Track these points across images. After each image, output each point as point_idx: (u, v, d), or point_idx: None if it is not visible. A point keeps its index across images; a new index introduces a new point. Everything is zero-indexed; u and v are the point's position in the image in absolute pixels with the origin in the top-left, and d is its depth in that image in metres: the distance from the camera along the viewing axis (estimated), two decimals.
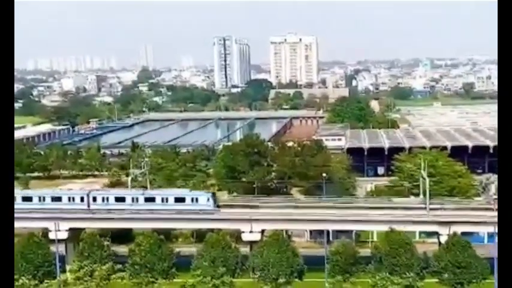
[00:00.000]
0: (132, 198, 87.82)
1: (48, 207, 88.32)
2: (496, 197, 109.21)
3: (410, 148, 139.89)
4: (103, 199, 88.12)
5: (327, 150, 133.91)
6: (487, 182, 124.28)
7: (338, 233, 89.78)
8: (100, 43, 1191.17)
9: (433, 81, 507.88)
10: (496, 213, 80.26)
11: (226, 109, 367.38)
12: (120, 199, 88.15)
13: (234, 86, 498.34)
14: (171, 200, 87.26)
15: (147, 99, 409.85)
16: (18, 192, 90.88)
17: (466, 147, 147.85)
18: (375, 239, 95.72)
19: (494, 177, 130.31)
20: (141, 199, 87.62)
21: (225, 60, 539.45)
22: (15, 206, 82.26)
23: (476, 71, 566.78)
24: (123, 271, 72.17)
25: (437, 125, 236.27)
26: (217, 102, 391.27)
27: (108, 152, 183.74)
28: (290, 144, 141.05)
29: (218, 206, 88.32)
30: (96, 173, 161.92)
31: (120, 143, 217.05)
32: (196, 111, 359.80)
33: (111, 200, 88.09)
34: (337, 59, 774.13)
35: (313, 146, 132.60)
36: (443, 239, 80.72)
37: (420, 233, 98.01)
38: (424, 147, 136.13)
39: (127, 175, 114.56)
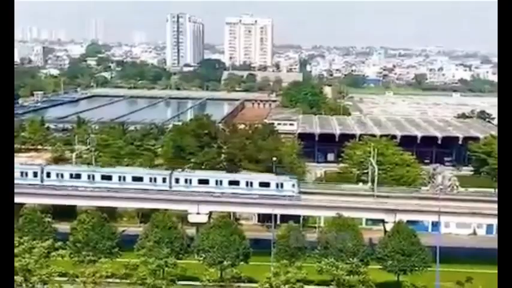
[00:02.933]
0: (216, 181, 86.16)
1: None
2: (441, 187, 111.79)
3: (360, 135, 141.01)
4: (198, 181, 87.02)
5: (279, 134, 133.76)
6: (434, 172, 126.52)
7: (286, 217, 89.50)
8: (48, 13, 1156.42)
9: (386, 70, 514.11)
10: (440, 203, 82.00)
11: (178, 88, 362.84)
12: (203, 181, 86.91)
13: (186, 65, 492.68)
14: (256, 184, 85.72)
15: (95, 73, 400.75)
16: None
17: (415, 137, 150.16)
18: (322, 224, 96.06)
19: (441, 168, 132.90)
20: (225, 182, 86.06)
21: (178, 38, 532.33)
22: None
23: (428, 62, 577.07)
24: (64, 249, 70.15)
25: (388, 114, 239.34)
26: (168, 81, 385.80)
27: (52, 126, 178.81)
28: (241, 126, 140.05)
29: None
30: (39, 147, 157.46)
31: (65, 117, 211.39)
32: (146, 89, 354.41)
33: (194, 182, 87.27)
34: (292, 43, 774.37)
35: (265, 129, 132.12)
36: (389, 226, 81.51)
37: (367, 220, 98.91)
38: (374, 135, 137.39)
39: (72, 151, 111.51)
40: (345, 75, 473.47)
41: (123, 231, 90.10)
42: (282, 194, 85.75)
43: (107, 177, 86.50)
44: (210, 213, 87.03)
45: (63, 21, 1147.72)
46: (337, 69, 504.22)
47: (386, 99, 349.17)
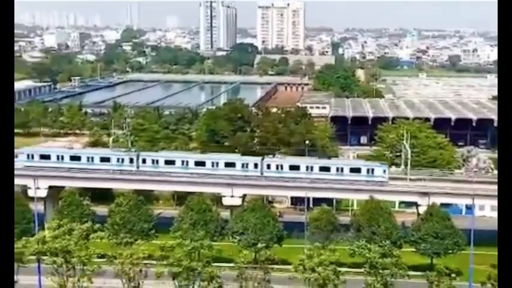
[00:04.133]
0: (307, 167, 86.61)
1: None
2: (476, 169, 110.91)
3: (393, 118, 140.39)
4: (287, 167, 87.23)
5: (311, 117, 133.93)
6: (469, 155, 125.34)
7: (319, 200, 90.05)
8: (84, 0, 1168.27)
9: (419, 52, 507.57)
10: (475, 186, 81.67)
11: (211, 72, 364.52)
12: (294, 167, 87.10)
13: (219, 49, 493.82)
14: (346, 170, 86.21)
15: (130, 59, 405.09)
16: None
17: (449, 120, 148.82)
18: (355, 207, 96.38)
19: (475, 150, 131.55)
20: (316, 168, 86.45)
21: (211, 23, 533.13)
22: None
23: (463, 43, 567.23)
24: (102, 231, 71.99)
25: (421, 96, 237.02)
26: (201, 65, 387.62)
27: (89, 111, 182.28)
28: (274, 110, 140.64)
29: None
30: (77, 131, 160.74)
31: (102, 102, 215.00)
32: (181, 73, 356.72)
33: (286, 168, 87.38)
34: (325, 25, 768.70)
35: (297, 113, 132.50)
36: (422, 209, 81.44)
37: (400, 203, 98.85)
38: (407, 118, 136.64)
39: (108, 135, 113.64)
40: (378, 57, 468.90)
41: (159, 213, 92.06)
42: (372, 179, 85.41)
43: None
44: (244, 196, 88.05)
45: (98, 8, 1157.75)
46: (369, 52, 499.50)
47: (419, 81, 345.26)
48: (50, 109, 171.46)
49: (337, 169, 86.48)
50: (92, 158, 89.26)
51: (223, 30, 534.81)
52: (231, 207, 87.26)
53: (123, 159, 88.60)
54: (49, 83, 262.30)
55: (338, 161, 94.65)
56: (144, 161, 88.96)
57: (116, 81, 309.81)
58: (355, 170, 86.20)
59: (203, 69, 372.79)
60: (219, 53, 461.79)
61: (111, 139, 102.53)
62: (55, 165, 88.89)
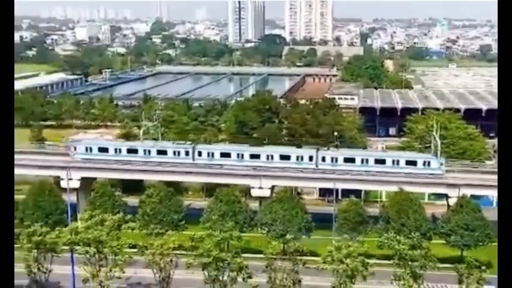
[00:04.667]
0: (362, 160, 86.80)
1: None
2: None
3: (423, 109, 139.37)
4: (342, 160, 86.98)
5: (339, 108, 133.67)
6: None
7: (347, 192, 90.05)
8: None
9: (449, 41, 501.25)
10: None
11: (240, 64, 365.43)
12: (349, 160, 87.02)
13: (247, 41, 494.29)
14: (402, 162, 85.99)
15: (160, 51, 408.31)
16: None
17: (479, 110, 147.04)
18: (384, 199, 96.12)
19: None
20: (371, 161, 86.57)
21: (239, 15, 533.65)
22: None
23: (494, 32, 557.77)
24: (133, 222, 73.01)
25: (451, 87, 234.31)
26: (230, 57, 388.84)
27: (120, 103, 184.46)
28: (302, 101, 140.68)
29: None
30: (108, 123, 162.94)
31: (132, 94, 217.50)
32: (209, 65, 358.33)
33: (340, 160, 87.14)
34: (353, 16, 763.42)
35: (325, 104, 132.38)
36: (453, 201, 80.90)
37: (429, 194, 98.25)
38: (437, 109, 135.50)
39: (139, 127, 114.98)
40: (407, 47, 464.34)
41: (189, 204, 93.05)
42: (428, 172, 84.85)
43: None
44: (273, 187, 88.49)
45: (128, 1, 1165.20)
46: (398, 42, 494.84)
47: (449, 72, 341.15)
48: (81, 101, 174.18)
49: (393, 161, 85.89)
50: (149, 151, 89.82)
51: (251, 22, 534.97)
52: (260, 199, 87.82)
53: (179, 152, 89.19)
54: (81, 76, 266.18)
55: (394, 153, 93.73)
56: (200, 153, 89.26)
57: (146, 74, 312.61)
58: (411, 163, 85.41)
59: (232, 61, 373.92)
60: (248, 45, 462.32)
61: (141, 131, 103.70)
62: (113, 158, 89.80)
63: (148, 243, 63.77)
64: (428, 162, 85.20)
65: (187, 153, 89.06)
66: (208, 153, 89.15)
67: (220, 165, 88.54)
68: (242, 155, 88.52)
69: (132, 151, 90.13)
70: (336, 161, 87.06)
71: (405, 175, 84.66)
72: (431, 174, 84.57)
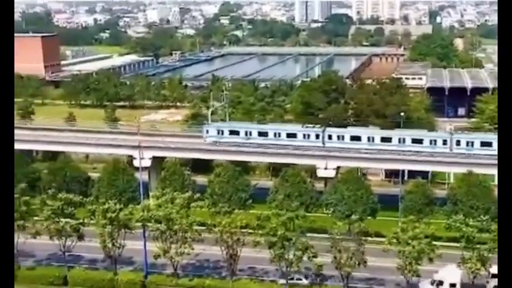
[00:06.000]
0: (430, 141, 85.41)
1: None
2: None
3: (494, 89, 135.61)
4: None
5: (406, 89, 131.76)
6: None
7: (413, 173, 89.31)
8: None
9: None
10: None
11: (306, 44, 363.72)
12: (486, 144, 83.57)
13: (314, 21, 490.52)
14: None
15: (227, 32, 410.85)
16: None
17: None
18: (452, 180, 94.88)
19: None
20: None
21: None
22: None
23: None
24: (202, 200, 74.93)
25: None
26: (297, 37, 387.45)
27: (189, 84, 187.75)
28: (368, 81, 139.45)
29: None
30: (178, 104, 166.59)
31: (201, 75, 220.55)
32: (276, 46, 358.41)
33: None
34: None
35: (392, 84, 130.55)
36: None
37: None
38: None
39: (207, 108, 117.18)
40: (478, 25, 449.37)
41: (255, 184, 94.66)
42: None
43: (386, 139, 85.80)
44: (338, 168, 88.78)
45: None
46: (469, 20, 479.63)
47: None
48: (152, 83, 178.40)
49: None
50: (279, 133, 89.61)
51: (318, 2, 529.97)
52: (325, 179, 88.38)
53: (309, 135, 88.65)
54: (152, 58, 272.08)
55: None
56: (330, 137, 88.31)
57: (213, 55, 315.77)
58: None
59: (298, 42, 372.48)
60: (314, 25, 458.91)
61: (209, 111, 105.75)
62: (243, 140, 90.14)
63: (216, 221, 65.50)
64: None
65: (317, 136, 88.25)
66: (339, 137, 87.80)
67: (351, 148, 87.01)
68: (373, 139, 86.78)
69: (262, 134, 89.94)
70: (472, 145, 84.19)
71: (474, 156, 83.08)
72: None
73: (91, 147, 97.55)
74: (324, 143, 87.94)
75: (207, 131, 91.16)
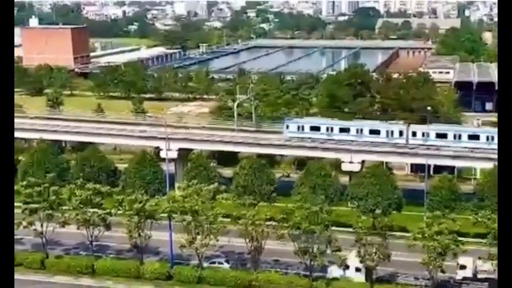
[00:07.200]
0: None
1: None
2: None
3: None
4: None
5: (434, 83, 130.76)
6: None
7: (439, 168, 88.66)
8: None
9: None
10: None
11: (332, 37, 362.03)
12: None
13: (341, 14, 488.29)
14: None
15: (254, 25, 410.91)
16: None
17: None
18: (478, 176, 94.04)
19: None
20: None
21: None
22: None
23: None
24: (227, 192, 75.43)
25: None
26: (323, 30, 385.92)
27: (216, 76, 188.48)
28: (395, 75, 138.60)
29: None
30: (205, 96, 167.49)
31: (227, 68, 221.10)
32: (303, 39, 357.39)
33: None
34: None
35: (419, 78, 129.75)
36: None
37: None
38: None
39: (233, 100, 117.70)
40: None
41: (280, 177, 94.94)
42: None
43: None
44: (363, 162, 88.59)
45: None
46: None
47: None
48: (179, 75, 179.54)
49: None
50: (361, 130, 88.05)
51: None
52: (350, 173, 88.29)
53: (392, 132, 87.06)
54: (179, 50, 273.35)
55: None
56: (414, 134, 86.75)
57: (240, 48, 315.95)
58: None
59: (325, 35, 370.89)
60: (341, 18, 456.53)
61: (235, 104, 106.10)
62: (325, 137, 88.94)
63: (241, 213, 65.93)
64: None
65: (401, 133, 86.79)
66: (423, 134, 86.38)
67: (435, 146, 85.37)
68: (460, 136, 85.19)
69: (344, 130, 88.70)
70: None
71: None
72: None
73: (119, 138, 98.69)
74: (407, 140, 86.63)
75: (287, 127, 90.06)
